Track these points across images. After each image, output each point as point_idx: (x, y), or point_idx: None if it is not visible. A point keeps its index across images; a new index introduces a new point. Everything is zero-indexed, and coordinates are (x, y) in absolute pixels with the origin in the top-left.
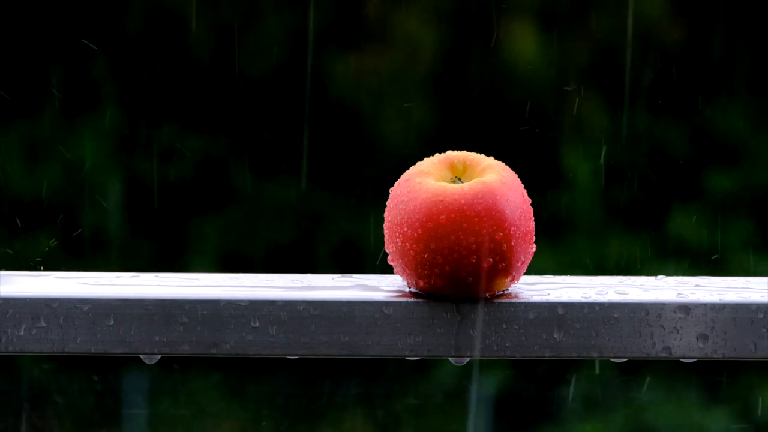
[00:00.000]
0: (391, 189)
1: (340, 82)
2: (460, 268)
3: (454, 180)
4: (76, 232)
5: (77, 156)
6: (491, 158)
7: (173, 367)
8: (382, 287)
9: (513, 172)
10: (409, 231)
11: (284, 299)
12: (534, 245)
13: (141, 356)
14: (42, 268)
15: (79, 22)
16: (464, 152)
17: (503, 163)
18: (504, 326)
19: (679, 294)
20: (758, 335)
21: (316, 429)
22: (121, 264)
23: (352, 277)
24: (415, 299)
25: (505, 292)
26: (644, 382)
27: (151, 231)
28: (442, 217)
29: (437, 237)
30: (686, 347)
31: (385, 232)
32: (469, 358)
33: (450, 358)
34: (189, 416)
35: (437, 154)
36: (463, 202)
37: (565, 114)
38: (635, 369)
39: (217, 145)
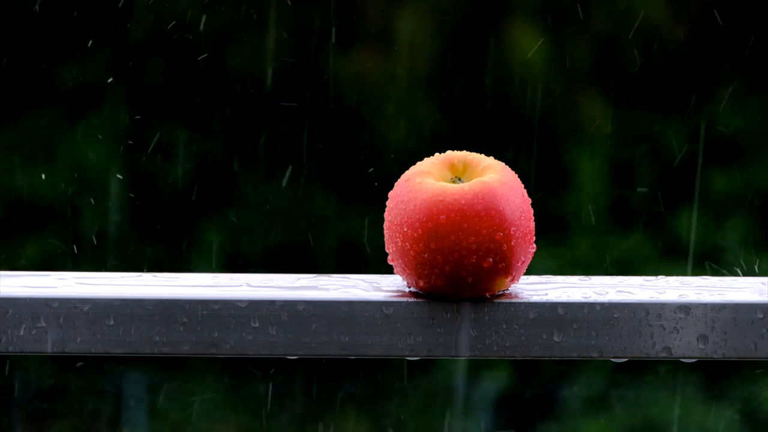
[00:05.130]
0: (390, 189)
1: (340, 82)
2: (460, 268)
3: (454, 180)
4: (77, 232)
5: (78, 156)
6: (491, 158)
7: (173, 367)
8: (382, 287)
9: (513, 172)
10: (409, 231)
11: (284, 299)
12: (534, 245)
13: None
14: (42, 268)
15: (81, 20)
16: (464, 152)
17: (503, 163)
18: (504, 326)
19: (679, 294)
20: (758, 335)
21: (316, 429)
22: (122, 264)
23: (352, 277)
24: (415, 299)
25: (505, 292)
26: (645, 382)
27: (152, 231)
28: (442, 217)
29: (437, 237)
30: (686, 347)
31: (385, 232)
32: (466, 357)
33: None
34: (189, 416)
35: (437, 154)
36: (463, 202)
37: (566, 113)
38: (636, 369)
39: (218, 146)
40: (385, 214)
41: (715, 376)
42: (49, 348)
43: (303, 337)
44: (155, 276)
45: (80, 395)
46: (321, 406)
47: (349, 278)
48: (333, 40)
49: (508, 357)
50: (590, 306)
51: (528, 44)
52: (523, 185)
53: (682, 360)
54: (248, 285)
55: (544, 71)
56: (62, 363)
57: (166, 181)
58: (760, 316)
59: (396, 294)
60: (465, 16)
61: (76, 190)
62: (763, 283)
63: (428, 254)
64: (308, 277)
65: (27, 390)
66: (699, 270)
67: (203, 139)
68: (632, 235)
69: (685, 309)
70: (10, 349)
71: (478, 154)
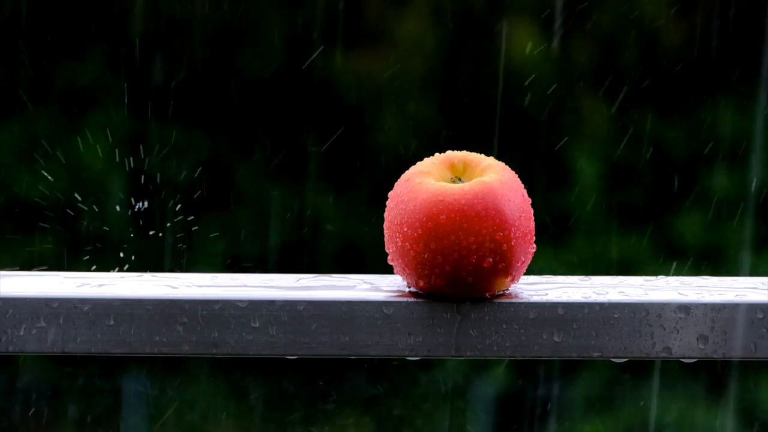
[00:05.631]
0: (390, 189)
1: (340, 82)
2: (460, 268)
3: (454, 180)
4: (77, 232)
5: (78, 155)
6: (491, 158)
7: (173, 367)
8: (382, 287)
9: (513, 172)
10: (409, 231)
11: (284, 299)
12: (534, 245)
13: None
14: (42, 268)
15: (81, 19)
16: (464, 152)
17: (503, 163)
18: (504, 326)
19: (679, 294)
20: (758, 335)
21: (316, 429)
22: (122, 264)
23: (351, 277)
24: (415, 299)
25: (505, 292)
26: (645, 382)
27: (152, 231)
28: (442, 217)
29: (437, 237)
30: (686, 347)
31: (385, 232)
32: (466, 357)
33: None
34: (188, 416)
35: (437, 154)
36: (463, 202)
37: (566, 114)
38: (636, 368)
39: (218, 145)
40: (385, 214)
41: (715, 376)
42: (49, 348)
43: (303, 337)
44: (155, 276)
45: (80, 395)
46: (321, 406)
47: (349, 278)
48: (333, 40)
49: (508, 357)
50: (590, 306)
51: (528, 44)
52: (523, 185)
53: (682, 360)
54: (248, 285)
55: (544, 71)
56: (62, 363)
57: (166, 181)
58: (760, 316)
59: (396, 294)
60: (465, 16)
61: (76, 190)
62: (763, 283)
63: (428, 254)
64: (308, 277)
65: (27, 390)
66: (699, 270)
67: (203, 139)
68: (632, 235)
69: (685, 309)
70: (10, 349)
71: (478, 154)
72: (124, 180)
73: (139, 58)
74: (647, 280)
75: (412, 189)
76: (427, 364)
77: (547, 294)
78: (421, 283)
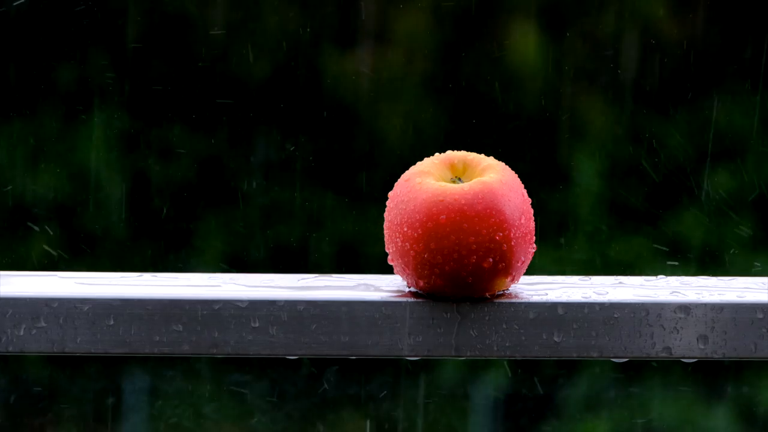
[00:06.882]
0: (390, 189)
1: (339, 82)
2: (460, 268)
3: (454, 180)
4: (76, 233)
5: (78, 155)
6: (491, 158)
7: (173, 367)
8: (382, 287)
9: (513, 172)
10: (409, 231)
11: (284, 299)
12: (534, 245)
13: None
14: (42, 268)
15: (81, 20)
16: (464, 152)
17: (503, 163)
18: (504, 326)
19: (679, 294)
20: (758, 335)
21: (316, 429)
22: (122, 264)
23: (351, 277)
24: (415, 299)
25: (505, 292)
26: (644, 382)
27: (152, 231)
28: (442, 217)
29: (437, 237)
30: (686, 347)
31: (385, 232)
32: (466, 357)
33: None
34: (188, 416)
35: (437, 154)
36: (463, 202)
37: (566, 113)
38: (636, 369)
39: (217, 145)
40: (385, 214)
41: (715, 376)
42: (49, 348)
43: (303, 337)
44: (155, 276)
45: (80, 395)
46: (321, 406)
47: (349, 278)
48: (332, 39)
49: (508, 357)
50: (590, 306)
51: (528, 44)
52: (523, 185)
53: (682, 360)
54: (248, 285)
55: (543, 71)
56: (62, 363)
57: (166, 181)
58: (760, 316)
59: (396, 294)
60: (464, 16)
61: (75, 190)
62: (763, 283)
63: (428, 254)
64: (308, 277)
65: (26, 390)
66: (699, 270)
67: (202, 139)
68: (632, 235)
69: (685, 309)
70: (10, 349)
71: (478, 154)
72: (123, 180)
73: (139, 58)
74: (647, 280)
75: (412, 189)
76: (427, 364)
77: (547, 294)
78: (421, 283)
